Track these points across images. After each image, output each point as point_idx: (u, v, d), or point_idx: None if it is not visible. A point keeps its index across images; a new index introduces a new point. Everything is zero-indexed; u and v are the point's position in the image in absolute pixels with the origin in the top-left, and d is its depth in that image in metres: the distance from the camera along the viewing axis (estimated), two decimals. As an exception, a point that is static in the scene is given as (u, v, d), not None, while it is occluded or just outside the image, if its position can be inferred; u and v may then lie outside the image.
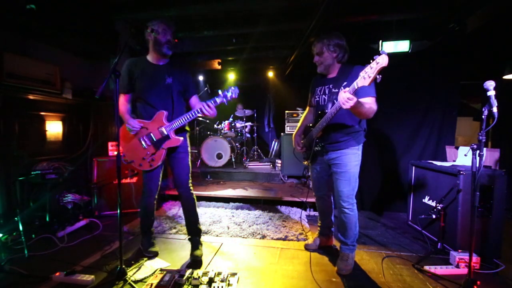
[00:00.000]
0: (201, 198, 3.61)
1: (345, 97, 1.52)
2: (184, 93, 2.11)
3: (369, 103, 1.71)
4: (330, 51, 1.86)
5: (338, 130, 1.89)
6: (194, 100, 2.15)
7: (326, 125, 1.86)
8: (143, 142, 1.99)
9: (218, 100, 1.96)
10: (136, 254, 2.18)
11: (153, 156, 2.00)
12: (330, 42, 1.85)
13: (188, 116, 1.98)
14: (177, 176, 2.12)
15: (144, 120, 2.00)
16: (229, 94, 1.96)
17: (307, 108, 2.26)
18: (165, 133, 1.97)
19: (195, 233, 2.20)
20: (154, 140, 1.99)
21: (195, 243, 2.18)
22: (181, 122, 1.99)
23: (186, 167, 2.11)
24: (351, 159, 1.89)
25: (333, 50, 1.86)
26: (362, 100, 1.69)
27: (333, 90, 1.87)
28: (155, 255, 2.15)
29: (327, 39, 1.86)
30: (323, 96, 1.95)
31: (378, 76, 1.43)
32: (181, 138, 2.04)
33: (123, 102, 2.04)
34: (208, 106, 1.94)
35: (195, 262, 2.08)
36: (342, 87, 1.82)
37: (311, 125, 2.05)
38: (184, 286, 1.69)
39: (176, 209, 3.26)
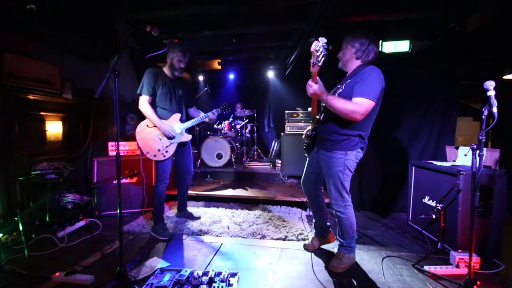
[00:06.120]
0: (201, 198, 3.61)
1: (307, 83, 1.59)
2: (188, 103, 2.70)
3: (355, 103, 1.65)
4: (350, 46, 1.83)
5: (327, 128, 1.90)
6: (193, 109, 2.79)
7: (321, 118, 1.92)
8: (160, 137, 2.42)
9: (220, 111, 2.72)
10: (137, 253, 2.18)
11: (167, 148, 2.44)
12: (354, 38, 1.82)
13: (197, 119, 2.63)
14: (188, 165, 2.74)
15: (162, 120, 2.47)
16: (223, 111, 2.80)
17: None
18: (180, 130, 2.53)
19: (185, 204, 2.99)
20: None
21: (186, 209, 2.99)
22: (192, 123, 2.60)
23: (192, 158, 2.78)
24: (334, 163, 1.85)
25: (352, 45, 1.82)
26: (354, 99, 1.67)
27: (338, 85, 1.91)
28: (170, 237, 2.45)
29: (352, 35, 1.84)
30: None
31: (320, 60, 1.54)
32: (191, 136, 2.62)
33: (149, 105, 2.37)
34: (213, 114, 2.65)
35: (193, 216, 2.92)
36: (344, 84, 1.85)
37: None
38: (184, 286, 1.69)
39: (176, 209, 3.24)
